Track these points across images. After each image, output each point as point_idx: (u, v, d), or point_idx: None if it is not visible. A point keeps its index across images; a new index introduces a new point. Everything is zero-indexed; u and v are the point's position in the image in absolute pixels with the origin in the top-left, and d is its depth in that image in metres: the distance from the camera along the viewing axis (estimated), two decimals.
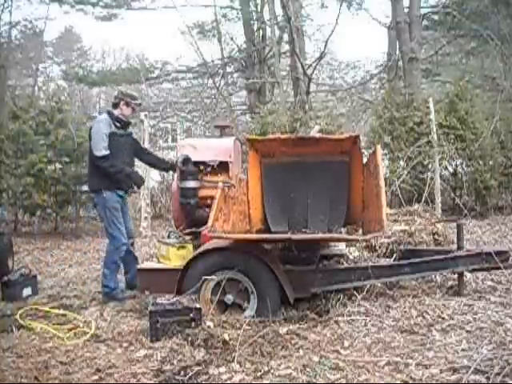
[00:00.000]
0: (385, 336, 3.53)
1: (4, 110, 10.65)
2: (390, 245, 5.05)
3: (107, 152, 4.84)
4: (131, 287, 4.99)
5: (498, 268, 4.41)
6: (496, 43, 12.46)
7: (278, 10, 13.79)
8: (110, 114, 5.02)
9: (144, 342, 3.59)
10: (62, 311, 4.44)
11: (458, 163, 10.17)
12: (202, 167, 4.90)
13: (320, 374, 2.98)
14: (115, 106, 5.07)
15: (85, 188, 9.89)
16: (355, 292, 4.26)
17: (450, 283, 4.63)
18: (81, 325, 4.07)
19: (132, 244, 5.30)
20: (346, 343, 3.46)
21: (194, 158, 4.85)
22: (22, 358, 3.37)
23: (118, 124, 4.99)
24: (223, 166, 4.89)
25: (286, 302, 4.08)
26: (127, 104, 5.04)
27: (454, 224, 4.86)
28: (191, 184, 4.80)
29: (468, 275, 4.65)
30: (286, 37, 14.37)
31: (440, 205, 8.98)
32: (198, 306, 3.70)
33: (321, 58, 12.99)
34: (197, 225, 4.68)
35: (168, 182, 11.28)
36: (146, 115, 9.34)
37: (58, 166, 9.55)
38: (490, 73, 14.11)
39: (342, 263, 4.68)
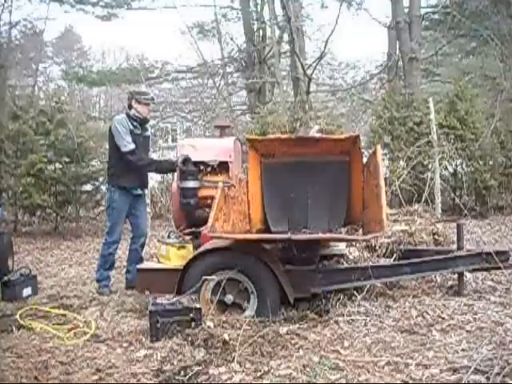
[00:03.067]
0: (385, 336, 3.53)
1: (4, 109, 10.63)
2: (390, 245, 5.04)
3: (133, 146, 5.00)
4: (131, 287, 5.00)
5: (498, 268, 4.41)
6: (496, 43, 12.45)
7: (278, 10, 13.81)
8: (127, 114, 5.19)
9: (144, 342, 3.59)
10: (62, 311, 4.44)
11: (458, 163, 10.18)
12: (202, 167, 4.91)
13: (320, 374, 2.98)
14: (129, 106, 5.21)
15: (85, 188, 9.93)
16: (355, 292, 4.26)
17: (449, 283, 4.63)
18: (81, 325, 4.07)
19: (143, 245, 5.34)
20: (346, 343, 3.46)
21: (194, 158, 4.85)
22: (22, 358, 3.36)
23: (134, 123, 5.12)
24: (223, 166, 4.89)
25: (286, 302, 4.08)
26: (138, 101, 5.15)
27: (454, 224, 4.86)
28: (191, 184, 4.80)
29: (468, 275, 4.65)
30: (286, 37, 14.36)
31: (440, 205, 8.98)
32: (198, 305, 3.70)
33: (321, 57, 12.98)
34: (197, 225, 4.68)
35: (168, 182, 11.28)
36: None
37: (58, 166, 9.55)
38: (490, 73, 14.09)
39: (342, 263, 4.67)
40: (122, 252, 6.31)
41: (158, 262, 4.67)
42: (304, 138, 4.96)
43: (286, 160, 4.85)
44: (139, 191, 5.28)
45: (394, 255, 4.94)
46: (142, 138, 5.22)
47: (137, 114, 5.14)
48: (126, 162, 5.02)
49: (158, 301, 3.77)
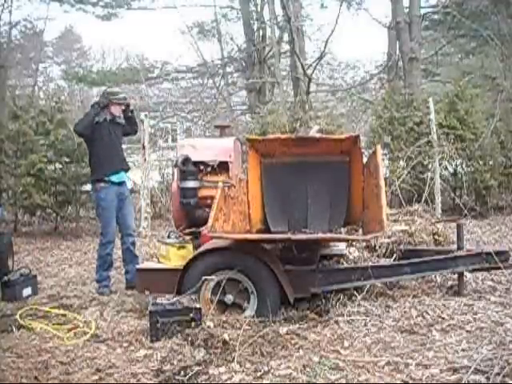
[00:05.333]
0: (385, 336, 3.53)
1: (4, 109, 10.62)
2: (390, 245, 5.04)
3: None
4: (131, 287, 5.00)
5: (498, 268, 4.41)
6: (496, 43, 12.45)
7: (278, 10, 13.80)
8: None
9: (144, 342, 3.59)
10: (61, 311, 4.44)
11: (458, 163, 10.17)
12: (202, 167, 4.91)
13: (320, 374, 2.98)
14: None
15: (85, 188, 9.92)
16: (355, 292, 4.26)
17: (449, 283, 4.63)
18: (81, 325, 4.07)
19: (133, 243, 5.33)
20: (346, 343, 3.46)
21: (194, 157, 4.85)
22: (22, 358, 3.36)
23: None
24: (223, 166, 4.89)
25: (286, 302, 4.08)
26: (110, 101, 5.20)
27: (454, 224, 4.86)
28: (191, 184, 4.80)
29: (468, 275, 4.65)
30: (286, 37, 14.35)
31: (440, 205, 8.98)
32: (198, 305, 3.70)
33: (321, 57, 12.99)
34: (197, 225, 4.68)
35: (168, 182, 11.28)
36: (146, 115, 9.32)
37: (58, 166, 9.55)
38: (490, 73, 14.09)
39: (342, 263, 4.68)
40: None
41: (158, 261, 4.67)
42: (304, 138, 4.95)
43: (286, 160, 4.86)
44: (124, 177, 5.27)
45: (394, 255, 4.94)
46: (110, 123, 5.19)
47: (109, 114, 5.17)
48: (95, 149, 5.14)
49: (158, 301, 3.78)
